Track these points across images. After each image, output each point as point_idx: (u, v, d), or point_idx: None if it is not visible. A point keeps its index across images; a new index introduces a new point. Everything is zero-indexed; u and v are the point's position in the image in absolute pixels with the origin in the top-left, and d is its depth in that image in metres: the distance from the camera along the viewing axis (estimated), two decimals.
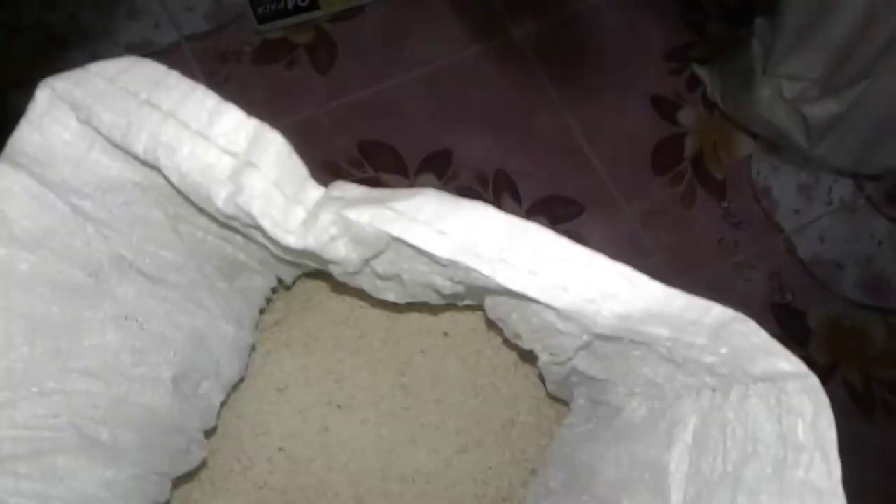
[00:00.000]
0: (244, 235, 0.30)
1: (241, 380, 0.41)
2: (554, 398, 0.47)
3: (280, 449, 0.46)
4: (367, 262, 0.28)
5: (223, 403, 0.39)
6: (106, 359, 0.29)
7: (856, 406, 0.82)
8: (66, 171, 0.27)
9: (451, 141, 0.84)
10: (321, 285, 0.48)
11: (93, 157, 0.28)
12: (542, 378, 0.43)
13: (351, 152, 0.82)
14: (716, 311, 0.24)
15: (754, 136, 0.90)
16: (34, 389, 0.27)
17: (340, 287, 0.48)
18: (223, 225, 0.31)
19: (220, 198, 0.26)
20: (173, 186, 0.27)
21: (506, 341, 0.49)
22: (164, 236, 0.30)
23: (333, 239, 0.27)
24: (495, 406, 0.47)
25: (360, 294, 0.48)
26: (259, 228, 0.27)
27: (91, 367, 0.29)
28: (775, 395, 0.25)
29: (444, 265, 0.26)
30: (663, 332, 0.25)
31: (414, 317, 0.48)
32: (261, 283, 0.37)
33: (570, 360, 0.30)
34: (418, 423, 0.47)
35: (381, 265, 0.29)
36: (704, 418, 0.27)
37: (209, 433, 0.39)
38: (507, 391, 0.48)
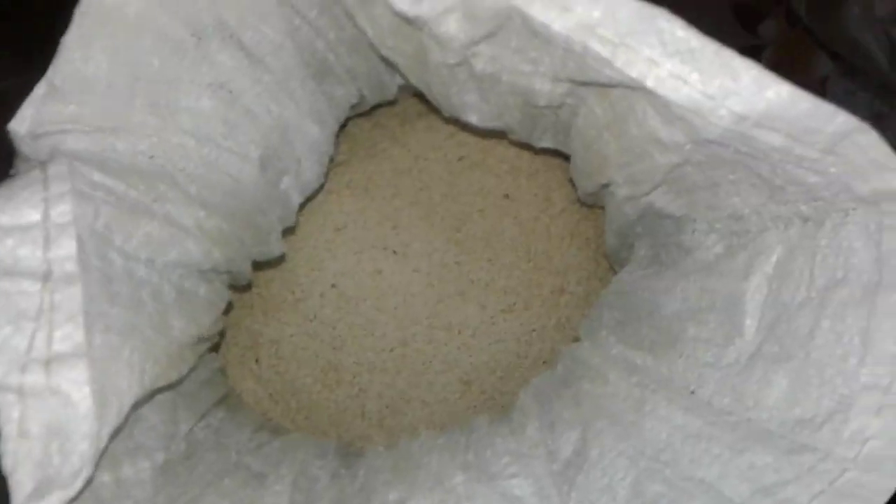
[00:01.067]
0: (348, 19, 0.29)
1: (321, 186, 0.41)
2: (609, 269, 0.47)
3: (333, 285, 0.47)
4: (473, 45, 0.28)
5: (301, 206, 0.40)
6: (199, 123, 0.30)
7: None
8: None
9: None
10: (387, 133, 0.48)
11: None
12: (605, 240, 0.43)
13: None
14: (840, 119, 0.24)
15: (834, 56, 0.86)
16: (132, 128, 0.28)
17: (406, 137, 0.48)
18: (321, 13, 0.30)
19: None
20: None
21: (564, 211, 0.49)
22: (267, 10, 0.30)
23: (448, 10, 0.26)
24: (546, 272, 0.48)
25: (425, 146, 0.48)
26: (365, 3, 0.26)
27: (185, 126, 0.29)
28: (876, 221, 0.25)
29: (557, 53, 0.25)
30: (777, 139, 0.24)
31: (476, 175, 0.48)
32: (344, 93, 0.37)
33: (652, 190, 0.30)
34: (468, 278, 0.47)
35: (480, 60, 0.29)
36: (791, 248, 0.27)
37: (286, 232, 0.40)
38: (560, 260, 0.48)
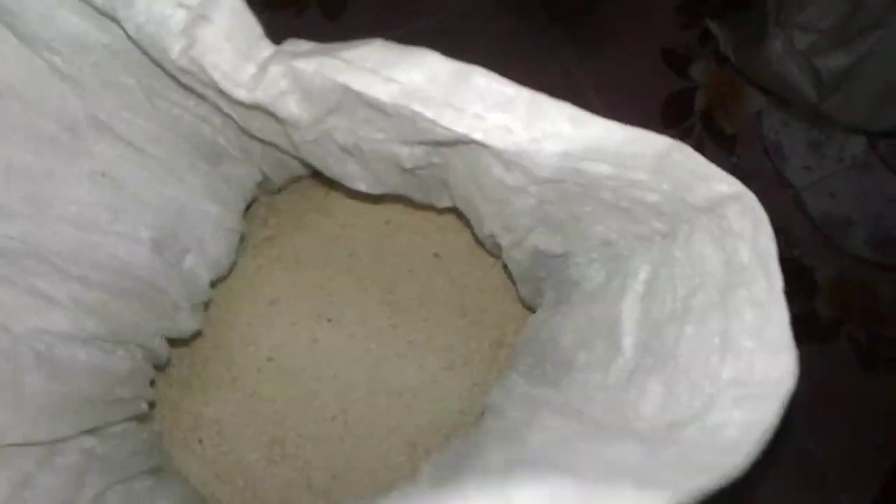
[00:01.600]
0: (200, 96, 0.31)
1: (233, 263, 0.42)
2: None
3: (269, 359, 0.47)
4: (320, 123, 0.29)
5: (213, 284, 0.40)
6: (82, 212, 0.31)
7: (860, 363, 0.82)
8: (36, 24, 0.28)
9: None
10: (312, 204, 0.49)
11: (61, 13, 0.28)
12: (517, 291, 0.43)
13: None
14: (654, 141, 0.25)
15: (765, 91, 0.89)
16: (4, 215, 0.29)
17: (332, 207, 0.49)
18: (199, 101, 0.31)
19: (175, 50, 0.27)
20: (132, 42, 0.28)
21: (495, 264, 0.49)
22: (139, 105, 0.31)
23: (283, 94, 0.27)
24: (483, 326, 0.48)
25: (351, 214, 0.49)
26: (212, 85, 0.28)
27: (64, 214, 0.30)
28: (718, 225, 0.26)
29: (392, 116, 0.26)
30: (605, 168, 0.25)
31: (404, 237, 0.49)
32: (244, 174, 0.38)
33: (528, 234, 0.31)
34: (406, 339, 0.48)
35: (339, 134, 0.30)
36: (655, 265, 0.28)
37: (204, 307, 0.41)
38: (496, 312, 0.48)
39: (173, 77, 0.29)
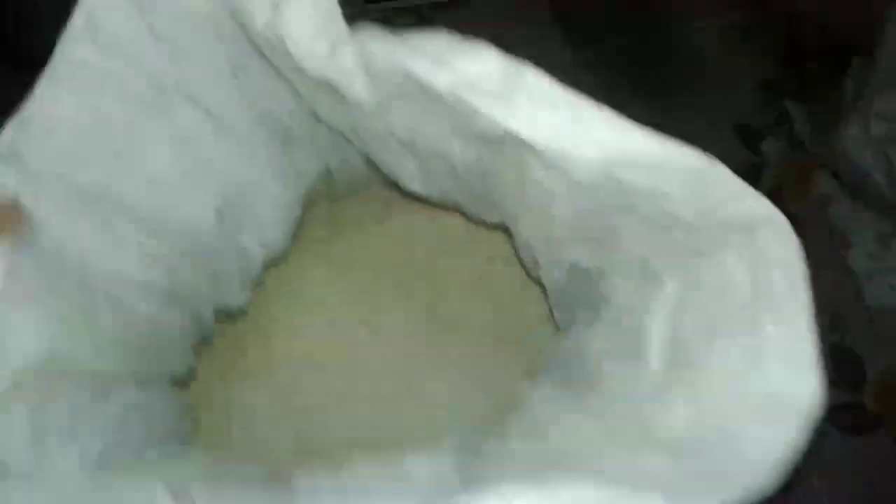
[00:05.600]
0: (278, 76, 0.32)
1: (287, 249, 0.44)
2: None
3: (307, 355, 0.48)
4: (383, 108, 0.30)
5: (265, 267, 0.42)
6: (158, 169, 0.33)
7: None
8: None
9: None
10: (370, 214, 0.51)
11: None
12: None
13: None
14: (691, 156, 0.25)
15: (837, 176, 0.88)
16: (90, 167, 0.31)
17: (388, 218, 0.51)
18: (277, 85, 0.33)
19: (260, 21, 0.29)
20: (227, 10, 0.30)
21: (539, 297, 0.50)
22: (224, 77, 0.33)
23: (351, 72, 0.29)
24: (518, 355, 0.49)
25: (408, 227, 0.50)
26: (288, 59, 0.29)
27: (145, 173, 0.32)
28: (749, 245, 0.26)
29: (446, 106, 0.28)
30: (640, 177, 0.26)
31: (455, 258, 0.50)
32: (310, 161, 0.40)
33: (565, 246, 0.31)
34: (442, 357, 0.48)
35: (399, 127, 0.31)
36: (685, 282, 0.28)
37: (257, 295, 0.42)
38: (533, 343, 0.49)
39: (258, 51, 0.31)
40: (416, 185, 0.36)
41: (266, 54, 0.31)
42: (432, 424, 0.47)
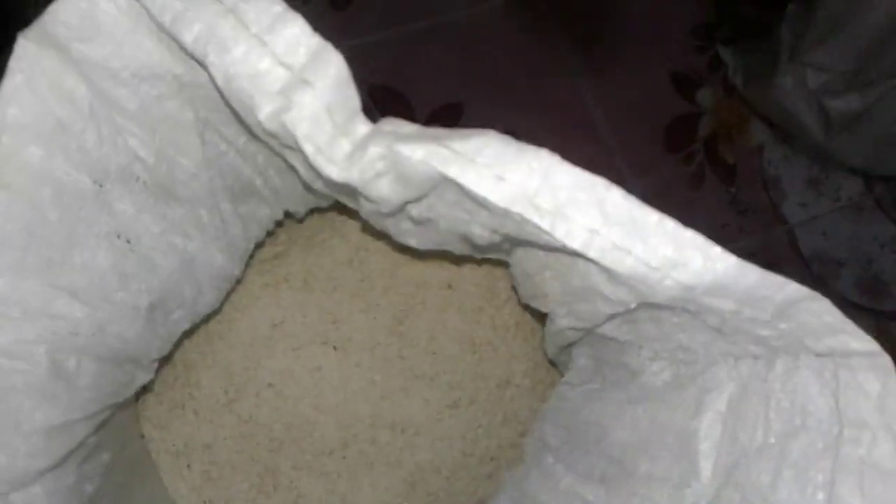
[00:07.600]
0: (276, 153, 0.28)
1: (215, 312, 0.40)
2: (552, 362, 0.46)
3: (269, 384, 0.45)
4: (405, 203, 0.27)
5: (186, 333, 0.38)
6: (93, 279, 0.28)
7: None
8: (107, 49, 0.25)
9: (464, 94, 0.82)
10: (326, 223, 0.47)
11: (136, 38, 0.25)
12: (544, 341, 0.41)
13: (360, 95, 0.80)
14: (790, 289, 0.23)
15: (770, 124, 0.88)
16: (19, 312, 0.26)
17: (345, 227, 0.47)
18: (250, 139, 0.29)
19: (265, 111, 0.24)
20: (216, 87, 0.25)
21: (508, 300, 0.48)
22: (188, 140, 0.28)
23: (378, 175, 0.25)
24: (491, 365, 0.46)
25: (366, 236, 0.46)
26: (299, 151, 0.25)
27: (77, 287, 0.27)
28: (830, 370, 0.24)
29: (495, 214, 0.24)
30: (727, 305, 0.24)
31: (418, 266, 0.47)
32: (266, 214, 0.35)
33: (596, 326, 0.29)
34: (412, 373, 0.46)
35: (417, 209, 0.28)
36: (743, 387, 0.26)
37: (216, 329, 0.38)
38: (505, 351, 0.47)
39: (236, 114, 0.26)
40: (411, 241, 0.32)
41: (262, 140, 0.27)
42: (406, 448, 0.45)
